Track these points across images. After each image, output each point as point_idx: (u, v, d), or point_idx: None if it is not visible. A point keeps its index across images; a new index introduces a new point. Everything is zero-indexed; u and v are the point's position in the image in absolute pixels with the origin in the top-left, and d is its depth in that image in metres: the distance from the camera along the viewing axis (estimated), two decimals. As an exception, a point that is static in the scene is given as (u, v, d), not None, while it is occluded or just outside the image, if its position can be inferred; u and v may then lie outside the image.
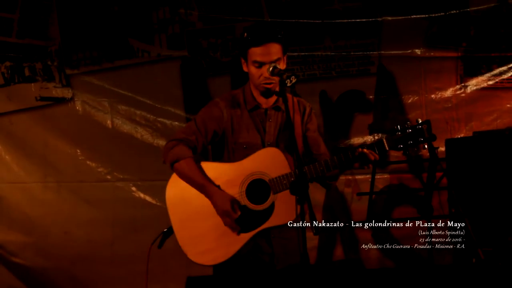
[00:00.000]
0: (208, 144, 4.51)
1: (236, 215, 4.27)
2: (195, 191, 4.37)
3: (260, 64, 4.32)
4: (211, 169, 4.41)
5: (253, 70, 4.38)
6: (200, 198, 4.36)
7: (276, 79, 4.27)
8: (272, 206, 4.31)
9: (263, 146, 4.45)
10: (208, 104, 4.55)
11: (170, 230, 4.42)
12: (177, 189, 4.42)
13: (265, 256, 4.43)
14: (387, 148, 4.27)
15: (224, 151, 4.53)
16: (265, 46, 4.32)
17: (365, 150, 4.23)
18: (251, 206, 4.32)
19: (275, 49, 4.33)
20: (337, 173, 4.48)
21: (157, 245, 4.50)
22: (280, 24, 6.99)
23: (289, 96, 4.21)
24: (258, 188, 4.34)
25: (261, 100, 4.49)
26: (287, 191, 4.12)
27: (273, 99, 4.49)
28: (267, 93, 4.44)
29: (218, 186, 4.36)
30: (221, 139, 4.52)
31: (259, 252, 4.42)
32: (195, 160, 4.42)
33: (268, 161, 4.34)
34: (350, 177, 7.11)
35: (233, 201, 4.28)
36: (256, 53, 4.33)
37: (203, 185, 4.33)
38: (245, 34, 4.41)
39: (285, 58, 4.42)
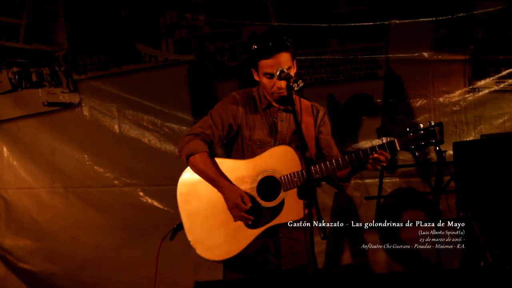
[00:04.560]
0: (224, 137, 4.56)
1: (246, 207, 4.30)
2: (206, 188, 4.42)
3: (271, 76, 4.39)
4: (224, 164, 4.47)
5: (265, 81, 4.46)
6: (210, 194, 4.42)
7: None
8: (282, 203, 4.36)
9: (275, 144, 4.51)
10: (225, 98, 4.64)
11: (181, 225, 4.46)
12: (188, 185, 4.48)
13: (273, 256, 4.49)
14: (399, 148, 4.28)
15: (235, 147, 4.58)
16: (274, 57, 4.39)
17: (376, 148, 4.24)
18: (261, 202, 4.37)
19: (284, 59, 4.40)
20: (348, 173, 4.50)
21: (168, 242, 4.54)
22: (287, 29, 6.98)
23: (296, 98, 4.23)
24: (269, 185, 4.39)
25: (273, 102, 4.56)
26: (297, 189, 4.18)
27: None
28: (281, 102, 4.50)
29: (230, 182, 4.41)
30: (235, 134, 4.56)
31: (267, 253, 4.48)
32: (210, 156, 4.47)
33: (280, 159, 4.40)
34: (359, 181, 7.09)
35: (243, 195, 4.32)
36: (267, 65, 4.40)
37: (215, 179, 4.39)
38: (254, 46, 4.45)
39: (294, 63, 4.51)
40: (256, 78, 4.55)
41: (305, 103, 4.61)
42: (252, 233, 4.35)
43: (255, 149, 4.49)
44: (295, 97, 4.21)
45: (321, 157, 4.65)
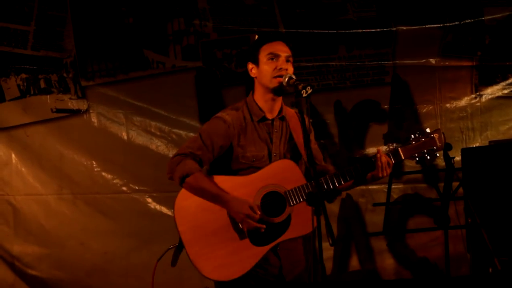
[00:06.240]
0: (213, 159, 4.43)
1: (257, 216, 4.20)
2: (206, 205, 4.29)
3: (275, 56, 4.37)
4: (224, 182, 4.34)
5: (267, 66, 4.39)
6: (211, 213, 4.30)
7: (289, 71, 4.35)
8: (288, 218, 4.28)
9: (270, 157, 4.42)
10: (212, 119, 4.49)
11: (181, 245, 4.31)
12: (186, 203, 4.33)
13: (274, 268, 4.40)
14: (403, 158, 4.28)
15: (231, 164, 4.45)
16: (277, 42, 4.43)
17: (383, 158, 4.24)
18: (267, 219, 4.27)
19: (286, 48, 4.43)
20: (351, 184, 4.47)
21: (170, 262, 4.43)
22: (294, 35, 6.99)
23: (290, 110, 4.26)
24: (273, 200, 4.30)
25: (267, 109, 4.46)
26: (304, 203, 4.14)
27: (278, 107, 4.48)
28: (279, 90, 4.40)
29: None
30: (227, 152, 4.45)
31: (267, 264, 4.38)
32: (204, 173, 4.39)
33: (282, 173, 4.33)
34: (364, 187, 7.08)
35: (251, 205, 4.22)
36: (270, 46, 4.41)
37: (218, 194, 4.27)
38: (256, 36, 4.50)
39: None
40: (253, 73, 4.46)
41: (290, 111, 4.54)
42: (260, 251, 4.26)
43: (250, 165, 4.38)
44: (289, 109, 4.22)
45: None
